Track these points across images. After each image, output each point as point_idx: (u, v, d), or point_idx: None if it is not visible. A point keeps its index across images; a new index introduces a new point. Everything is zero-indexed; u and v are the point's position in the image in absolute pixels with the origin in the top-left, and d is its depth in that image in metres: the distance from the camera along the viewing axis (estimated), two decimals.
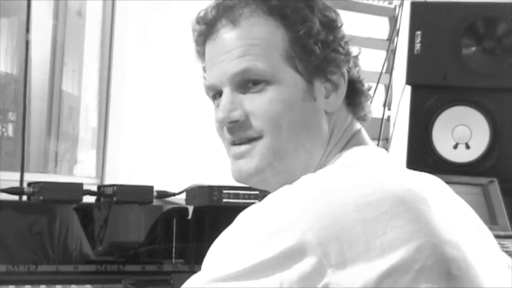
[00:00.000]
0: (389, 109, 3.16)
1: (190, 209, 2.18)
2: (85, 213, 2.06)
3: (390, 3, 3.32)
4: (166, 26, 3.29)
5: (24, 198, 2.08)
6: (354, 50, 1.21)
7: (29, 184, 2.07)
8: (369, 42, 3.30)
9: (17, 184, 2.22)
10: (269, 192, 1.06)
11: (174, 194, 2.25)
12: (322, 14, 1.17)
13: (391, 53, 2.92)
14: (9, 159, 3.34)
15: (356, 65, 1.21)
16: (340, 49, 1.17)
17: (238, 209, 1.03)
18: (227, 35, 1.17)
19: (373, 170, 1.05)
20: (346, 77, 1.18)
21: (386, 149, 1.30)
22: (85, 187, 2.07)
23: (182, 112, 3.26)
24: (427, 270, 0.94)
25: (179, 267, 2.00)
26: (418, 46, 2.33)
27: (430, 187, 1.06)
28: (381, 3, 3.33)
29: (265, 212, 0.98)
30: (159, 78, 3.29)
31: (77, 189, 2.03)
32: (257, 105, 1.14)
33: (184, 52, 3.40)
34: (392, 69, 2.84)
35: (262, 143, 1.15)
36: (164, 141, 3.21)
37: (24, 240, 1.97)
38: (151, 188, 2.13)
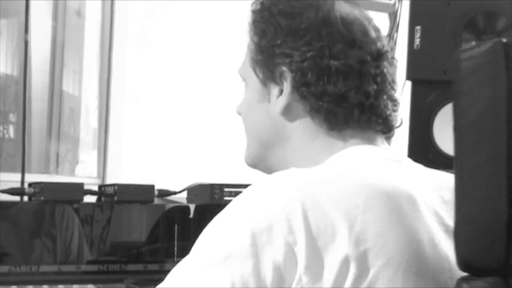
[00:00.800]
0: None
1: (192, 207, 2.17)
2: (86, 213, 2.05)
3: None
4: (166, 25, 3.28)
5: (26, 198, 2.08)
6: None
7: (30, 185, 2.06)
8: None
9: (19, 185, 2.22)
10: None
11: (175, 193, 2.24)
12: (279, 18, 1.21)
13: (392, 50, 2.91)
14: (10, 160, 3.33)
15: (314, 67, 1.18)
16: (288, 52, 1.18)
17: None
18: None
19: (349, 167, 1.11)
20: (288, 80, 1.18)
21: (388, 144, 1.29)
22: (87, 187, 2.06)
23: (182, 111, 3.26)
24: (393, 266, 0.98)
25: None
26: (417, 41, 2.32)
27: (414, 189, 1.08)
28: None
29: (233, 205, 1.04)
30: (159, 78, 3.29)
31: (78, 189, 2.02)
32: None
33: (184, 51, 3.41)
34: None
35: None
36: (164, 140, 3.21)
37: (25, 241, 1.97)
38: (153, 187, 2.12)
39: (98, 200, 2.15)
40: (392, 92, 1.22)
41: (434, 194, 1.12)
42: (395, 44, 2.70)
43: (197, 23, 3.22)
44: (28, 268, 1.94)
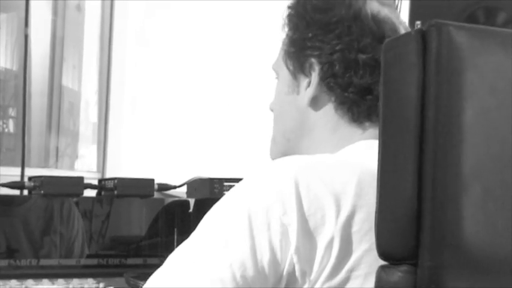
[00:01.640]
0: None
1: (192, 201, 2.17)
2: (86, 207, 2.05)
3: None
4: (166, 21, 3.28)
5: (25, 192, 2.07)
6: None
7: (30, 178, 2.06)
8: None
9: (18, 179, 2.21)
10: None
11: (175, 187, 2.24)
12: (311, 13, 1.24)
13: None
14: (10, 154, 3.33)
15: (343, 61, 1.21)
16: (318, 44, 1.21)
17: None
18: None
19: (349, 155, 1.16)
20: (317, 71, 1.22)
21: None
22: (87, 181, 2.06)
23: (182, 106, 3.25)
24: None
25: None
26: None
27: None
28: None
29: (233, 192, 1.07)
30: (159, 72, 3.29)
31: (78, 183, 2.02)
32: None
33: (183, 47, 3.40)
34: None
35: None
36: (164, 134, 3.21)
37: (25, 235, 1.96)
38: (152, 181, 2.12)
39: (98, 194, 2.14)
40: None
41: None
42: None
43: (197, 20, 3.22)
44: (28, 262, 1.94)
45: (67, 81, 3.68)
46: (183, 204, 2.17)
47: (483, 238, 0.90)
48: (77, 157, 3.61)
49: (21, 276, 1.85)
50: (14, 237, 1.94)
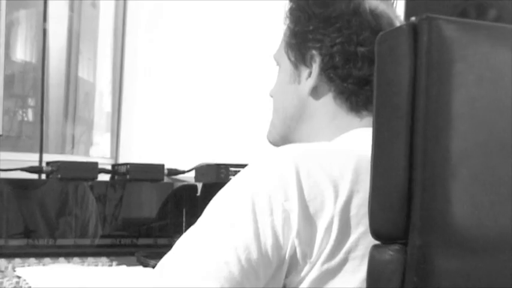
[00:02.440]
0: None
1: (199, 185, 2.17)
2: (100, 190, 2.05)
3: None
4: (177, 15, 3.27)
5: (43, 176, 2.08)
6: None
7: (48, 163, 2.06)
8: None
9: (37, 164, 2.22)
10: None
11: (183, 172, 2.24)
12: (313, 7, 1.24)
13: None
14: (29, 141, 3.33)
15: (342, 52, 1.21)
16: (319, 37, 1.21)
17: None
18: None
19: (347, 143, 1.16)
20: (317, 63, 1.22)
21: None
22: (101, 167, 2.06)
23: (190, 96, 3.25)
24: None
25: None
26: None
27: None
28: None
29: (238, 178, 1.07)
30: (169, 64, 3.28)
31: (93, 167, 2.03)
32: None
33: (193, 38, 3.39)
34: None
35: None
36: (173, 123, 3.21)
37: (43, 216, 1.97)
38: (162, 166, 2.12)
39: (111, 178, 2.15)
40: None
41: None
42: None
43: (207, 13, 3.21)
44: (45, 241, 1.95)
45: (82, 72, 3.68)
46: (191, 188, 2.17)
47: (470, 219, 0.91)
48: (91, 144, 3.62)
49: (39, 255, 1.86)
50: (32, 218, 1.95)
